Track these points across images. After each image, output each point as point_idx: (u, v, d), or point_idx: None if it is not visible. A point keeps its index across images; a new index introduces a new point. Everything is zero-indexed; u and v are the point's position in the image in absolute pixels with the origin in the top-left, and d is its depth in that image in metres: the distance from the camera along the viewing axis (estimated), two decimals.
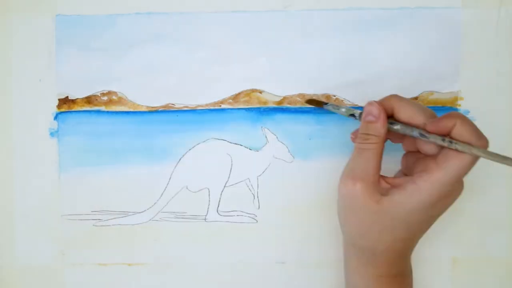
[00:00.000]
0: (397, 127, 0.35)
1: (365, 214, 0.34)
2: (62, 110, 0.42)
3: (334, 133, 0.42)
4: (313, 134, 0.42)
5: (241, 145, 0.42)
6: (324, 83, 0.42)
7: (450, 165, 0.33)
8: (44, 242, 0.42)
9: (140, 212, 0.42)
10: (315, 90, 0.42)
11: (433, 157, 0.34)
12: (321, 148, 0.42)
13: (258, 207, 0.42)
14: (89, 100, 0.42)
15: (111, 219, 0.42)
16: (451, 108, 0.42)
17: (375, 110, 0.35)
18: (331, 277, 0.43)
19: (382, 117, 0.35)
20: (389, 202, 0.34)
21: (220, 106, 0.42)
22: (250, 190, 0.42)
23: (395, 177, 0.37)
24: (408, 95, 0.42)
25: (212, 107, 0.42)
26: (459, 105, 0.42)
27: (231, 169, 0.42)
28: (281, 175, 0.42)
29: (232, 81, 0.42)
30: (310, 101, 0.41)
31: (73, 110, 0.42)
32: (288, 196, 0.42)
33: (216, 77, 0.42)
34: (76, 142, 0.42)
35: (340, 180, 0.35)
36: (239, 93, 0.42)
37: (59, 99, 0.42)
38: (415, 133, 0.34)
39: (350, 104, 0.42)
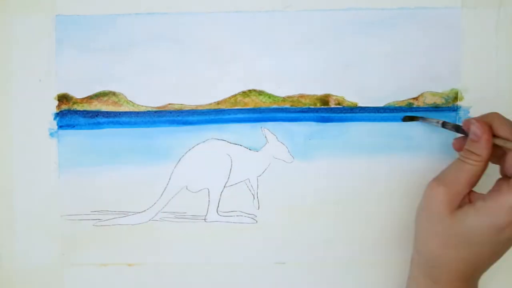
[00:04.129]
0: (497, 141, 0.34)
1: (436, 222, 0.34)
2: (62, 110, 0.42)
3: (334, 133, 0.42)
4: (313, 134, 0.42)
5: (241, 145, 0.42)
6: (324, 83, 0.42)
7: None
8: (44, 242, 0.42)
9: (140, 212, 0.42)
10: (315, 90, 0.42)
11: (507, 179, 0.33)
12: (321, 148, 0.42)
13: (258, 208, 0.42)
14: (89, 100, 0.42)
15: (111, 219, 0.42)
16: (451, 108, 0.42)
17: (478, 130, 0.34)
18: (331, 277, 0.43)
19: (485, 138, 0.34)
20: (458, 216, 0.33)
21: (220, 106, 0.42)
22: (250, 191, 0.42)
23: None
24: (408, 95, 0.42)
25: (212, 107, 0.42)
26: (459, 105, 0.42)
27: (231, 169, 0.42)
28: (281, 175, 0.42)
29: (232, 81, 0.42)
30: (406, 118, 0.41)
31: (72, 110, 0.42)
32: (288, 196, 0.42)
33: (216, 77, 0.42)
34: (76, 142, 0.42)
35: (429, 182, 0.35)
36: (239, 93, 0.42)
37: (59, 99, 0.42)
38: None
39: (350, 104, 0.42)
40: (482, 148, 0.34)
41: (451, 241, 0.34)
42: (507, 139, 0.34)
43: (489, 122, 0.35)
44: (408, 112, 0.42)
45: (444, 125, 0.38)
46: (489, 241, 0.33)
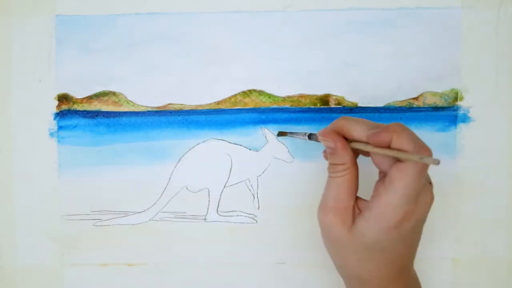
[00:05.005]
0: (354, 145, 0.34)
1: (340, 244, 0.34)
2: (62, 110, 0.42)
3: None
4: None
5: (241, 145, 0.42)
6: (324, 83, 0.42)
7: (395, 186, 0.32)
8: (44, 242, 0.42)
9: (140, 212, 0.42)
10: (315, 90, 0.42)
11: (382, 181, 0.33)
12: (321, 148, 0.42)
13: (258, 207, 0.42)
14: (89, 100, 0.42)
15: (111, 219, 0.42)
16: (451, 108, 0.42)
17: (330, 142, 0.34)
18: (331, 277, 0.43)
19: (340, 145, 0.34)
20: (356, 231, 0.33)
21: (220, 106, 0.42)
22: (250, 190, 0.42)
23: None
24: (408, 95, 0.42)
25: (212, 107, 0.42)
26: (459, 105, 0.42)
27: (231, 169, 0.42)
28: (281, 175, 0.42)
29: (232, 81, 0.42)
30: (279, 133, 0.41)
31: (72, 110, 0.42)
32: (288, 196, 0.42)
33: (216, 77, 0.42)
34: (76, 142, 0.42)
35: (317, 212, 0.35)
36: (239, 93, 0.42)
37: (59, 99, 0.42)
38: (365, 147, 0.33)
39: (350, 104, 0.42)
40: (341, 156, 0.34)
41: (364, 256, 0.34)
42: (360, 141, 0.34)
43: (339, 128, 0.35)
44: (407, 112, 0.42)
45: (310, 137, 0.38)
46: (393, 242, 0.33)
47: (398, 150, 0.31)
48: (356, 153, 0.35)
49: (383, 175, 0.34)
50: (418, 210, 0.33)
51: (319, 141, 0.36)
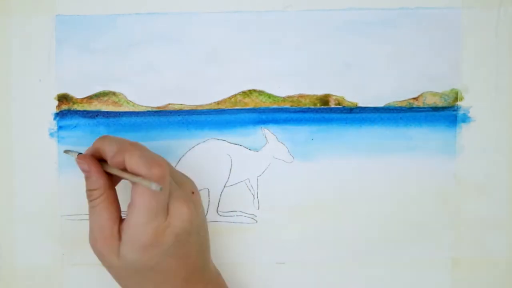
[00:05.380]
0: (106, 168, 0.34)
1: (116, 271, 0.34)
2: (62, 110, 0.42)
3: (334, 133, 0.42)
4: (314, 134, 0.42)
5: (241, 145, 0.42)
6: (324, 83, 0.42)
7: (135, 205, 0.32)
8: (44, 242, 0.42)
9: None
10: (315, 90, 0.42)
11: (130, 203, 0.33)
12: (321, 148, 0.42)
13: (258, 207, 0.42)
14: (89, 100, 0.42)
15: None
16: (451, 108, 0.42)
17: (85, 165, 0.34)
18: (331, 277, 0.43)
19: (94, 169, 0.34)
20: (121, 255, 0.33)
21: (220, 106, 0.42)
22: (250, 191, 0.42)
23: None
24: (408, 95, 0.42)
25: (212, 107, 0.42)
26: (459, 105, 0.42)
27: (231, 169, 0.42)
28: (281, 175, 0.42)
29: (232, 81, 0.42)
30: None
31: (72, 110, 0.42)
32: (288, 196, 0.42)
33: (216, 77, 0.42)
34: (76, 142, 0.42)
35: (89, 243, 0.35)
36: (239, 93, 0.42)
37: (58, 99, 0.42)
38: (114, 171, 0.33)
39: (350, 104, 0.42)
40: (95, 180, 0.34)
41: (139, 279, 0.34)
42: (110, 164, 0.33)
43: (95, 150, 0.35)
44: (407, 112, 0.42)
45: (66, 152, 0.39)
46: (159, 259, 0.33)
47: (131, 172, 0.31)
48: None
49: None
50: (173, 223, 0.33)
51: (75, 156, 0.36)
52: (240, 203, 0.42)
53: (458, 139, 0.42)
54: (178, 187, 0.35)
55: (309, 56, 0.42)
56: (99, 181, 0.34)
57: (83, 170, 0.35)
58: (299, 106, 0.42)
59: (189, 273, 0.35)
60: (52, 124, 0.42)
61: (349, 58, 0.42)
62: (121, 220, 0.34)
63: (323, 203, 0.42)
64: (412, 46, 0.41)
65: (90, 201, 0.35)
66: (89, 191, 0.34)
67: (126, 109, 0.42)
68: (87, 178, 0.35)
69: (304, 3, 0.41)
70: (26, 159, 0.42)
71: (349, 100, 0.42)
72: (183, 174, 0.38)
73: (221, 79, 0.42)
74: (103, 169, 0.34)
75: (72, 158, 0.40)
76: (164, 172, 0.32)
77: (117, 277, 0.35)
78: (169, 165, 0.35)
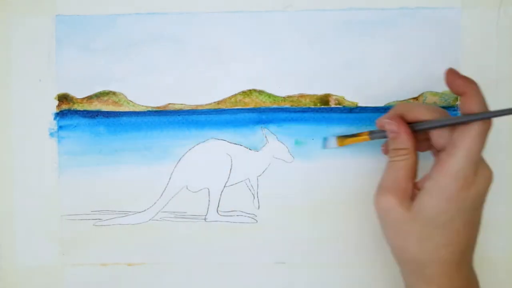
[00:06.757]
0: (420, 127, 0.35)
1: (400, 225, 0.34)
2: (62, 110, 0.42)
3: (334, 133, 0.42)
4: (314, 134, 0.42)
5: (241, 145, 0.42)
6: (325, 83, 0.42)
7: (457, 149, 0.32)
8: (44, 242, 0.42)
9: (140, 212, 0.42)
10: (315, 90, 0.42)
11: (441, 154, 0.34)
12: (321, 148, 0.42)
13: (258, 207, 0.42)
14: (89, 100, 0.42)
15: (111, 219, 0.42)
16: (451, 109, 0.42)
17: (393, 126, 0.35)
18: (331, 277, 0.43)
19: (403, 130, 0.34)
20: (417, 206, 0.33)
21: (220, 106, 0.42)
22: (250, 190, 0.42)
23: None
24: (408, 95, 0.42)
25: (212, 107, 0.42)
26: (459, 105, 0.42)
27: (231, 169, 0.42)
28: (281, 175, 0.42)
29: (232, 81, 0.42)
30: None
31: (73, 110, 0.42)
32: (288, 196, 0.42)
33: (216, 77, 0.42)
34: (76, 142, 0.42)
35: (374, 197, 0.35)
36: (239, 93, 0.42)
37: (59, 99, 0.42)
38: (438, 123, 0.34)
39: (350, 104, 0.42)
40: (404, 140, 0.34)
41: (423, 235, 0.34)
42: (424, 120, 0.34)
43: (400, 113, 0.35)
44: None
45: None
46: (453, 216, 0.33)
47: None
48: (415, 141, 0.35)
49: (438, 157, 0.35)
50: (477, 182, 0.33)
51: (381, 138, 0.37)
52: (240, 203, 0.42)
53: None
54: None
55: (309, 56, 0.42)
56: (409, 141, 0.34)
57: (391, 131, 0.35)
58: (299, 106, 0.42)
59: (463, 251, 0.34)
60: (52, 124, 0.42)
61: (349, 58, 0.42)
62: (414, 183, 0.35)
63: (323, 203, 0.42)
64: (412, 46, 0.41)
65: (392, 156, 0.35)
66: (394, 150, 0.35)
67: (126, 109, 0.42)
68: (394, 138, 0.35)
69: (304, 3, 0.41)
70: (26, 159, 0.42)
71: (349, 100, 0.42)
72: None
73: (221, 79, 0.42)
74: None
75: (71, 158, 0.41)
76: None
77: (397, 230, 0.35)
78: None
